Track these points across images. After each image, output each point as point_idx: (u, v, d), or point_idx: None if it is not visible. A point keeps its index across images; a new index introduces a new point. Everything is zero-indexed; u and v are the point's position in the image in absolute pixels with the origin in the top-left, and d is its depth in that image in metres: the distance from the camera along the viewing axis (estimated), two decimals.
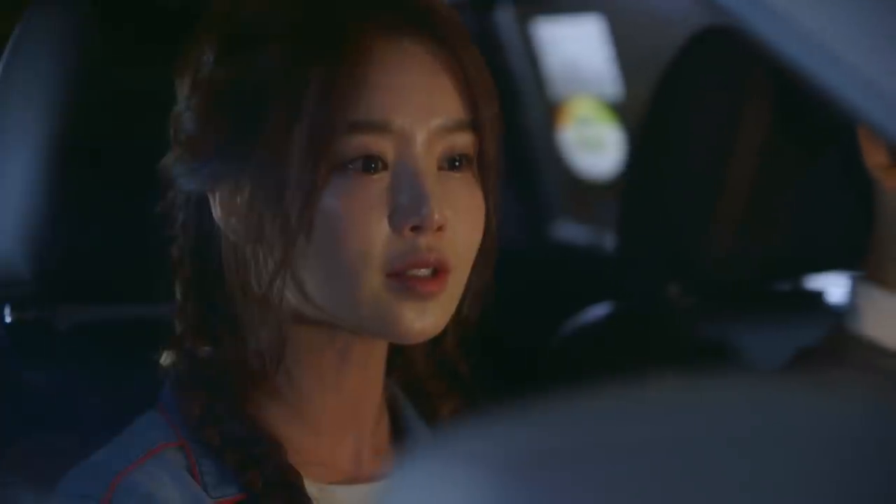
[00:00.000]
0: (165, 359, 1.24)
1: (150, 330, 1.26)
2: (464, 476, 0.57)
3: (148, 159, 1.25)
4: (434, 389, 1.30)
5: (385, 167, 1.14)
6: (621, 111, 2.86)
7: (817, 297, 1.92)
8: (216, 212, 1.19)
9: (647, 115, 1.82)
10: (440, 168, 1.16)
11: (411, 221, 1.13)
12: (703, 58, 1.78)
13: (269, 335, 1.18)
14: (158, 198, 1.24)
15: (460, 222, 1.16)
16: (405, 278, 1.14)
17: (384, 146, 1.14)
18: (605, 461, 0.56)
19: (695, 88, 1.78)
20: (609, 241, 2.66)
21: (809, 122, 1.70)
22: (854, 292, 1.61)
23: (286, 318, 1.18)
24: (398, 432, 1.29)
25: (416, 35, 1.15)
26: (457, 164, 1.17)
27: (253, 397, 1.21)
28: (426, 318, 1.15)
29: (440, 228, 1.14)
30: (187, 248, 1.23)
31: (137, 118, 1.36)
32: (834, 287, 1.92)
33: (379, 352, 1.23)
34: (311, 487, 1.19)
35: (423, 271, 1.14)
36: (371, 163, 1.14)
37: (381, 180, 1.14)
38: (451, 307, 1.18)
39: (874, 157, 1.58)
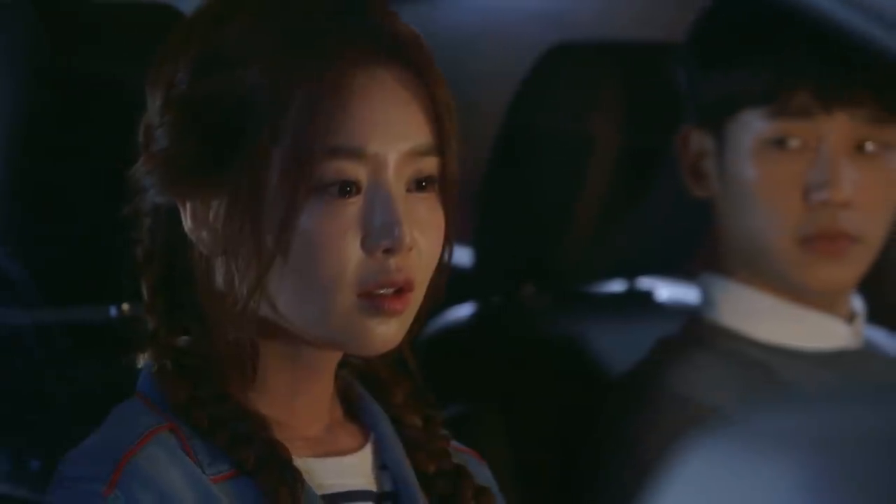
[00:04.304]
0: (142, 359, 1.25)
1: (98, 332, 1.29)
2: (770, 455, 0.55)
3: (100, 165, 1.27)
4: (386, 375, 1.35)
5: (359, 191, 1.20)
6: None
7: (649, 295, 2.08)
8: (187, 223, 1.22)
9: (502, 125, 1.93)
10: (408, 190, 1.22)
11: (384, 244, 1.19)
12: (556, 72, 1.90)
13: (239, 344, 1.23)
14: (110, 202, 1.26)
15: (425, 241, 1.22)
16: (373, 297, 1.20)
17: (359, 171, 1.20)
18: None
19: (548, 101, 1.90)
20: None
21: (656, 134, 1.85)
22: (708, 286, 1.77)
23: (254, 329, 1.23)
24: (354, 412, 1.33)
25: (389, 63, 1.21)
26: (423, 184, 1.23)
27: (233, 382, 1.25)
28: (389, 334, 1.22)
29: (409, 249, 1.21)
30: (156, 252, 1.26)
31: (89, 123, 1.37)
32: (660, 287, 2.09)
33: (337, 355, 1.29)
34: (295, 461, 1.23)
35: (390, 290, 1.21)
36: (347, 187, 1.19)
37: (354, 204, 1.20)
38: (410, 320, 1.24)
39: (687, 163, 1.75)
